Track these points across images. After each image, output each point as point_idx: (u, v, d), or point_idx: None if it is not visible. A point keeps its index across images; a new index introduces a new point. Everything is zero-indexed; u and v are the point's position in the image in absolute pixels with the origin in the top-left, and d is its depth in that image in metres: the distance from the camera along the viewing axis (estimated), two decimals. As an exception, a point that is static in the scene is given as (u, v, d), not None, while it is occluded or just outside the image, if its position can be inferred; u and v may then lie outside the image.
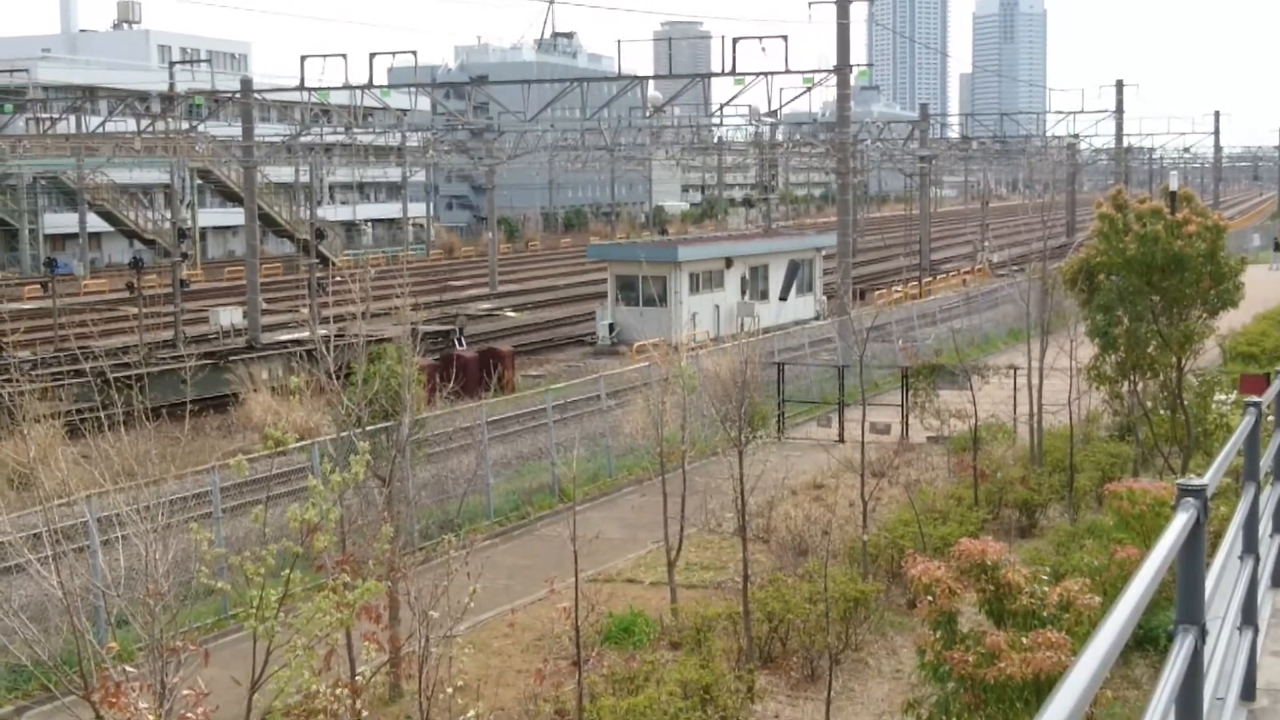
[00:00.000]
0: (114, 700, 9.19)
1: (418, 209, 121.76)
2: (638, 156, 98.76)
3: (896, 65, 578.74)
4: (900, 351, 39.83)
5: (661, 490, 20.65)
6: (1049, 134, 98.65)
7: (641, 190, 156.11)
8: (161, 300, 51.83)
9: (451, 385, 25.57)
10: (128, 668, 9.68)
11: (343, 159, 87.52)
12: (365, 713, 11.68)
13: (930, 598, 13.11)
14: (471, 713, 11.73)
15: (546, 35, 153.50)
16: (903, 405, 32.78)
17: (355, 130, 76.33)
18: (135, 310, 52.16)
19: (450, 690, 12.33)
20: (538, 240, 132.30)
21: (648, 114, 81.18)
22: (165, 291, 52.80)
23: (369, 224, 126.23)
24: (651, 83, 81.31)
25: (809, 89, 51.21)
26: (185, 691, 9.75)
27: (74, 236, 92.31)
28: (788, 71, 48.51)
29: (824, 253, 61.90)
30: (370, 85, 53.98)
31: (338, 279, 44.45)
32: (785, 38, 47.10)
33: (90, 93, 77.12)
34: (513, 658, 19.01)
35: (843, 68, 45.14)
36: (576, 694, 15.20)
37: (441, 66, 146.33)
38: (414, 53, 54.42)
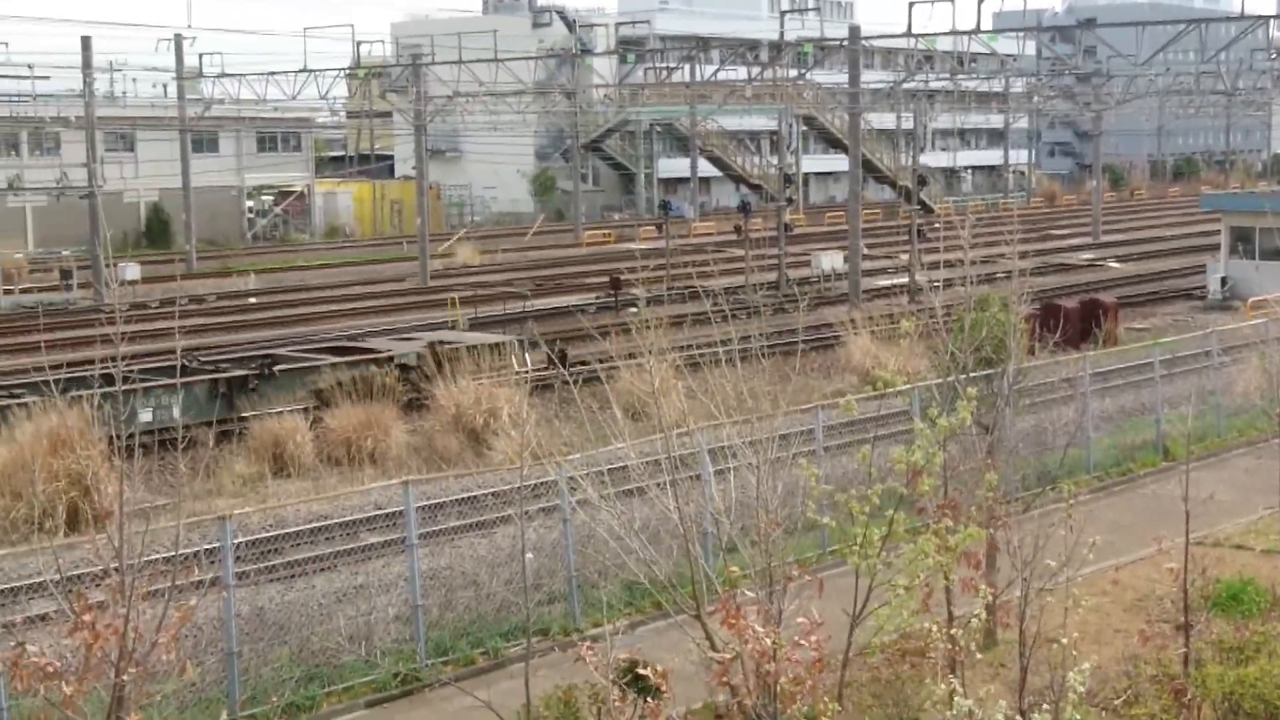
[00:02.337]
0: (733, 621, 9.63)
1: (1019, 156, 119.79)
2: (1257, 101, 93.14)
3: None
4: None
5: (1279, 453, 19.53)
6: None
7: (1259, 137, 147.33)
8: (765, 243, 53.44)
9: (1055, 336, 25.06)
10: (746, 591, 10.11)
11: (945, 105, 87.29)
12: (979, 655, 11.71)
13: None
14: (1086, 665, 11.52)
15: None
16: None
17: (959, 76, 75.80)
18: (742, 252, 54.06)
19: (1064, 641, 12.15)
20: (1144, 189, 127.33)
21: (1271, 56, 76.29)
22: (769, 235, 54.37)
23: (968, 170, 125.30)
24: (1274, 22, 76.34)
25: None
26: (799, 619, 10.09)
27: (685, 181, 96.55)
28: None
29: None
30: (977, 30, 53.39)
31: (937, 225, 44.22)
32: None
33: (704, 43, 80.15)
34: (1111, 616, 18.54)
35: None
36: (1182, 659, 14.66)
37: (1048, 10, 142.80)
38: (1024, -4, 53.44)
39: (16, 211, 70.87)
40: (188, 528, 16.12)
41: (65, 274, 56.34)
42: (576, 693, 13.56)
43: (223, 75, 66.66)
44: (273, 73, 64.32)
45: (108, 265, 53.90)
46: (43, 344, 34.59)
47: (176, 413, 28.18)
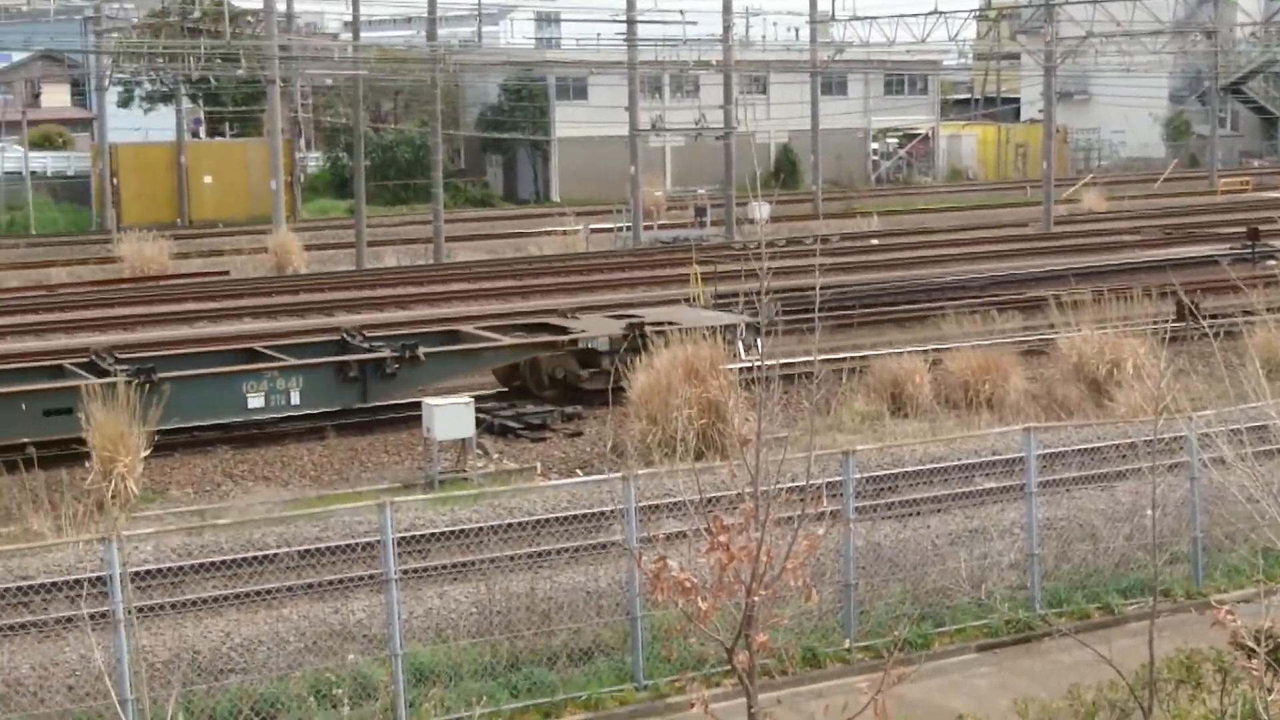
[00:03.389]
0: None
1: None
2: None
3: None
4: None
5: None
6: None
7: None
8: None
9: None
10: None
11: None
12: None
13: None
14: None
15: None
16: None
17: None
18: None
19: None
20: None
21: None
22: None
23: None
24: None
25: None
26: None
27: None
28: None
29: None
30: None
31: None
32: None
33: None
34: None
35: None
36: None
37: None
38: None
39: (657, 151, 74.74)
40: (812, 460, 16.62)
41: (699, 211, 59.04)
42: (1199, 657, 13.08)
43: (854, 19, 67.63)
44: (903, 15, 64.63)
45: (740, 204, 56.13)
46: (698, 275, 36.57)
47: (297, 398, 25.26)
